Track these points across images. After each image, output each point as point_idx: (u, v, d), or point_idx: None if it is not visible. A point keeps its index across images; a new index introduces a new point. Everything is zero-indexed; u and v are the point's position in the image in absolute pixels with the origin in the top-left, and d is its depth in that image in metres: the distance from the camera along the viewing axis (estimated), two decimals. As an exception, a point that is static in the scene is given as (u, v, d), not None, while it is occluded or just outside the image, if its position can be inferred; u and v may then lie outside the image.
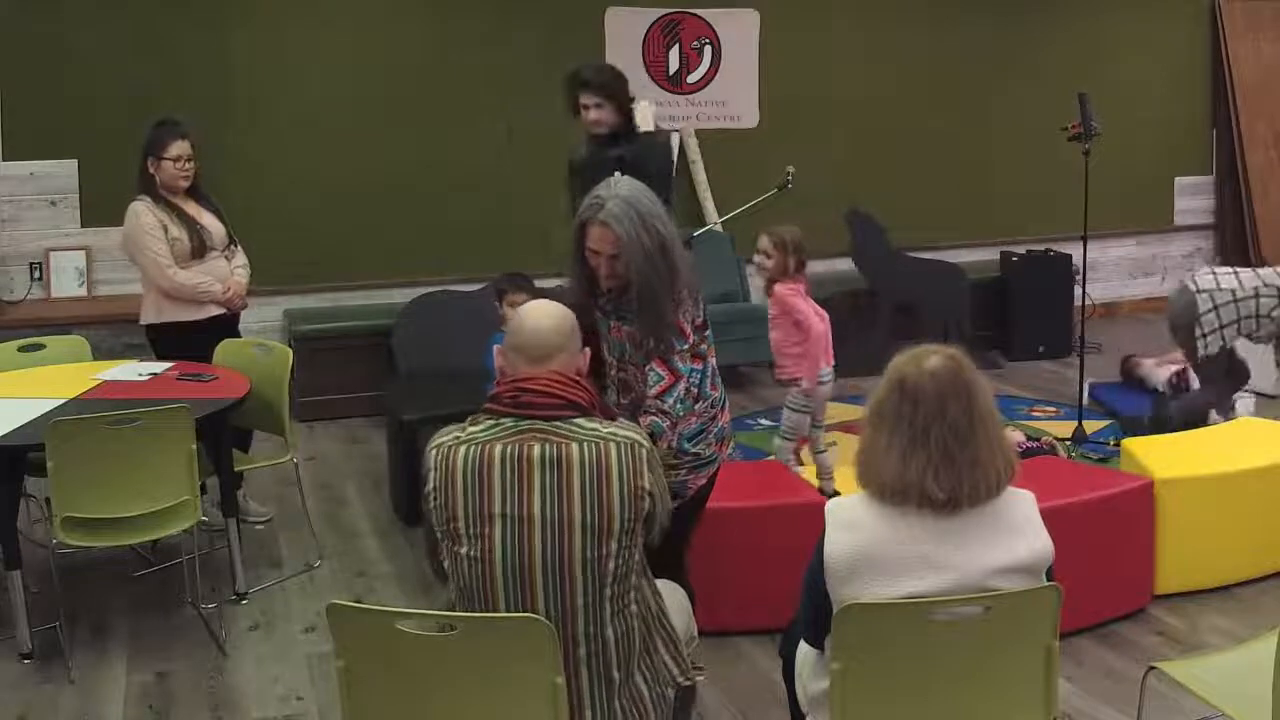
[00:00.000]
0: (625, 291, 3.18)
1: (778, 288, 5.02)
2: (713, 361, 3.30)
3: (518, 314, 2.65)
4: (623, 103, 5.03)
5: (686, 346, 3.16)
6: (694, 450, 3.26)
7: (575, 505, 2.41)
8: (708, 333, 3.27)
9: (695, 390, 3.21)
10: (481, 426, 2.50)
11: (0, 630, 4.05)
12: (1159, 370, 6.72)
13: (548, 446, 2.44)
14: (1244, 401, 6.26)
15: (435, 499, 2.47)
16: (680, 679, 2.65)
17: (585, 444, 2.44)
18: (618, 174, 4.97)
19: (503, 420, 2.49)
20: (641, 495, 2.46)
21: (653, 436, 3.07)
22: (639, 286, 3.11)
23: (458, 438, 2.49)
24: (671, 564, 3.20)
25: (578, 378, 2.56)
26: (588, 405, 2.51)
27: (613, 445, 2.45)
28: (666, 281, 3.11)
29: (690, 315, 3.16)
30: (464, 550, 2.44)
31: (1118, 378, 6.98)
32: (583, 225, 3.14)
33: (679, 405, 3.15)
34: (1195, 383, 6.38)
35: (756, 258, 5.09)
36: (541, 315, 2.61)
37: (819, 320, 5.02)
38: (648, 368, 3.18)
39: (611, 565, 2.44)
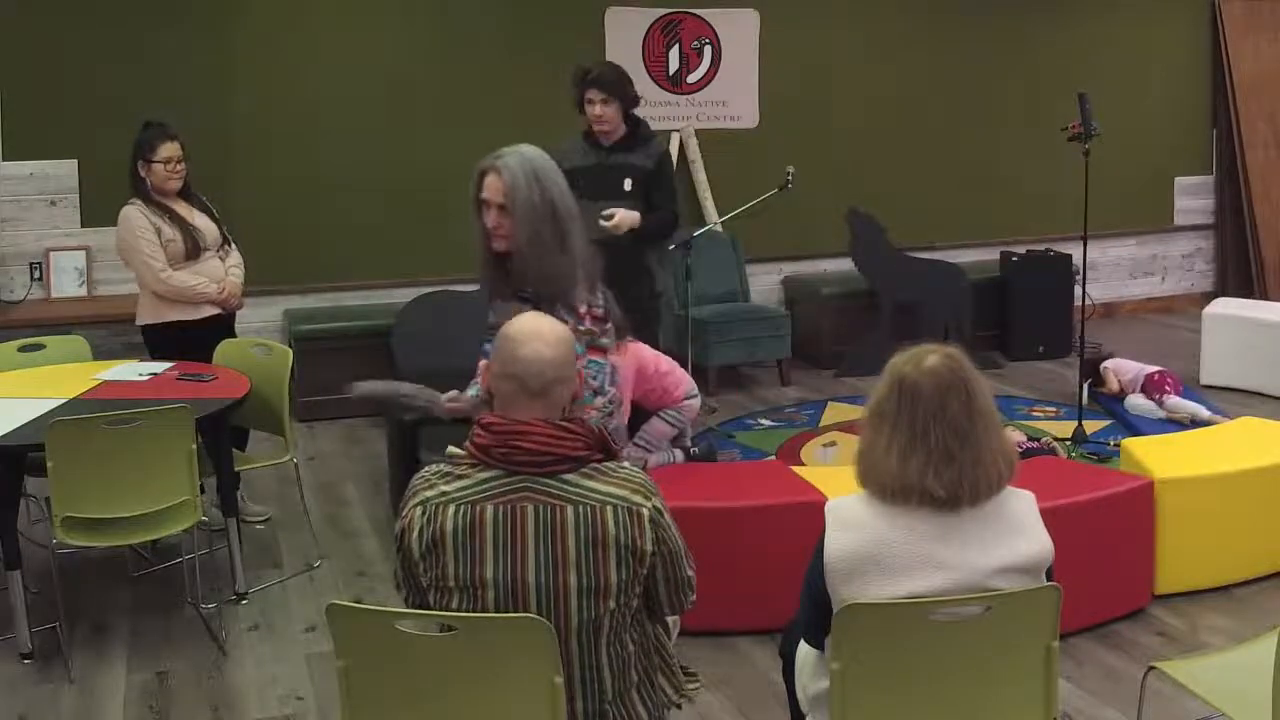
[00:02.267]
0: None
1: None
2: (614, 360, 3.31)
3: (511, 338, 2.41)
4: (627, 103, 5.04)
5: (583, 327, 3.15)
6: None
7: (570, 573, 2.32)
8: (609, 326, 3.27)
9: (595, 383, 3.22)
10: (471, 481, 2.35)
11: (0, 630, 4.05)
12: (1129, 373, 6.64)
13: (542, 510, 2.31)
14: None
15: (422, 554, 2.35)
16: (676, 699, 2.61)
17: (581, 506, 2.31)
18: (628, 182, 5.01)
19: (492, 473, 2.35)
20: (641, 556, 2.34)
21: None
22: (523, 240, 3.13)
23: (444, 494, 2.34)
24: None
25: (570, 424, 2.39)
26: (584, 453, 2.37)
27: (609, 508, 2.32)
28: (554, 243, 3.13)
29: (585, 300, 3.16)
30: (455, 604, 2.37)
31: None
32: (480, 175, 3.20)
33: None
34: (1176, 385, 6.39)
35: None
36: (540, 342, 2.40)
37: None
38: None
39: (607, 621, 2.37)
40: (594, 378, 3.21)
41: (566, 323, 3.00)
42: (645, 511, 2.35)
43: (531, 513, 2.32)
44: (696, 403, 4.65)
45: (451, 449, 2.47)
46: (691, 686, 2.67)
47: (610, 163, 5.04)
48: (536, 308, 3.17)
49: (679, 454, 4.88)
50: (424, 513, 2.35)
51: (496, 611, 2.35)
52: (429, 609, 2.46)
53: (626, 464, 2.46)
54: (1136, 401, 6.46)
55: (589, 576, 2.32)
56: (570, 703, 2.40)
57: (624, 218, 4.90)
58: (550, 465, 2.34)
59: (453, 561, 2.33)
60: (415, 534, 2.35)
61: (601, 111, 4.98)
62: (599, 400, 3.24)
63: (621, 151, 5.05)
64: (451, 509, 2.33)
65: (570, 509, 2.32)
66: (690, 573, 2.51)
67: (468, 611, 2.37)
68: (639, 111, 5.19)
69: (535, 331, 2.42)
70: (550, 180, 3.20)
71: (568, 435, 2.36)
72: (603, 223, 4.86)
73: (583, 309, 3.19)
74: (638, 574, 2.36)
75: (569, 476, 2.35)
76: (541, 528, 2.32)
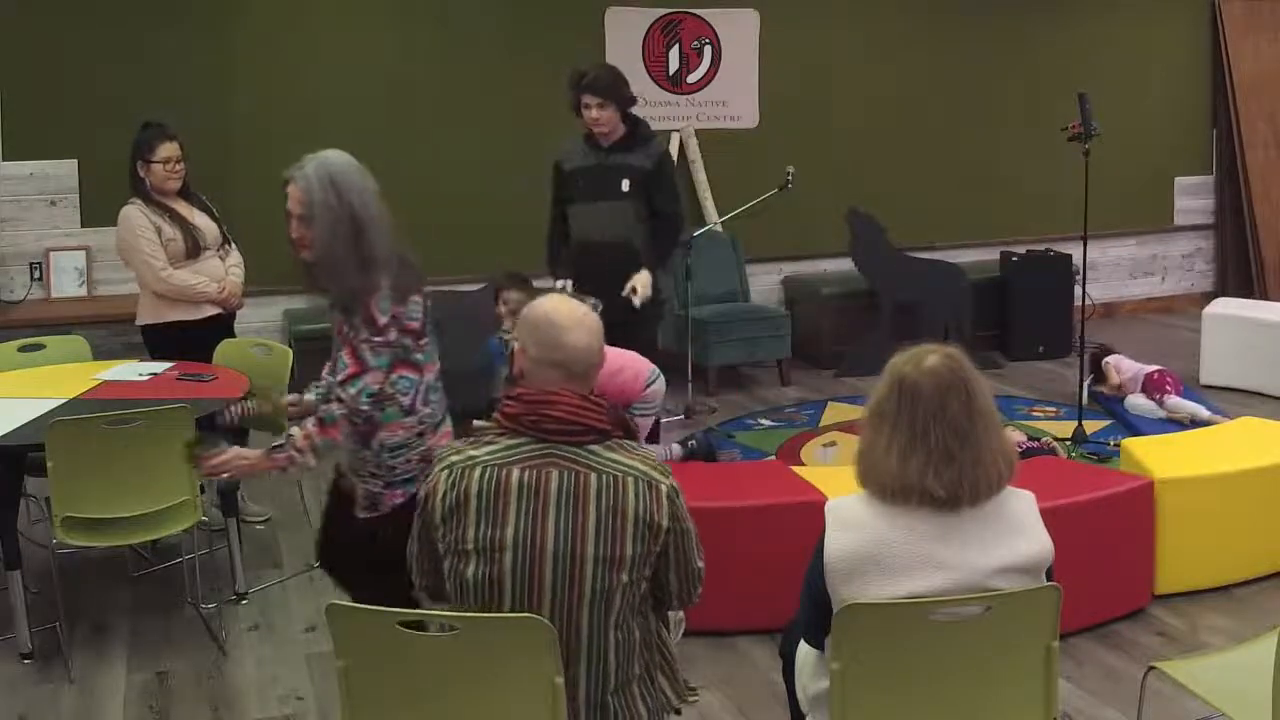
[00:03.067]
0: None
1: None
2: (429, 378, 3.12)
3: (554, 325, 2.46)
4: (624, 104, 5.03)
5: (379, 339, 3.00)
6: (390, 462, 3.10)
7: (589, 540, 2.36)
8: (424, 342, 3.10)
9: (405, 402, 3.05)
10: (499, 446, 2.41)
11: (0, 630, 4.05)
12: (1128, 372, 6.63)
13: (566, 475, 2.37)
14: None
15: (444, 517, 2.40)
16: (676, 702, 2.63)
17: (603, 475, 2.37)
18: (627, 183, 5.01)
19: (520, 440, 2.41)
20: (657, 531, 2.39)
21: (322, 423, 2.99)
22: (318, 247, 3.04)
23: (472, 458, 2.40)
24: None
25: (598, 398, 2.47)
26: (607, 428, 2.44)
27: (630, 479, 2.38)
28: (350, 250, 3.01)
29: (386, 309, 3.01)
30: (470, 570, 2.39)
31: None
32: (283, 185, 3.16)
33: (364, 398, 2.98)
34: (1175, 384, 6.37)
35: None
36: (585, 329, 2.48)
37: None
38: (338, 355, 3.07)
39: (619, 598, 2.40)
40: (403, 394, 3.05)
41: (360, 330, 2.97)
42: (664, 488, 2.41)
43: (556, 477, 2.38)
44: (660, 385, 4.71)
45: (478, 422, 2.50)
46: (692, 698, 2.70)
47: (609, 163, 5.04)
48: (343, 315, 3.07)
49: (676, 448, 4.90)
50: (450, 475, 2.40)
51: (512, 576, 2.37)
52: (440, 594, 2.51)
53: (646, 447, 2.53)
54: (1137, 401, 6.46)
55: (606, 545, 2.36)
56: (573, 691, 2.42)
57: (643, 284, 4.88)
58: (577, 435, 2.40)
59: (474, 524, 2.38)
60: (439, 497, 2.40)
61: (598, 115, 4.98)
62: (409, 420, 3.08)
63: (620, 152, 5.05)
64: (478, 471, 2.39)
65: (593, 476, 2.38)
66: (700, 564, 2.56)
67: (484, 577, 2.38)
68: (639, 111, 5.19)
69: (577, 318, 2.49)
70: (349, 186, 3.09)
71: (594, 407, 2.44)
72: (634, 300, 4.82)
73: (383, 320, 3.00)
74: (651, 550, 2.40)
75: (594, 447, 2.41)
76: (564, 492, 2.37)
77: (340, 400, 2.99)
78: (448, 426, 3.24)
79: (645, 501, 2.38)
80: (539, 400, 2.41)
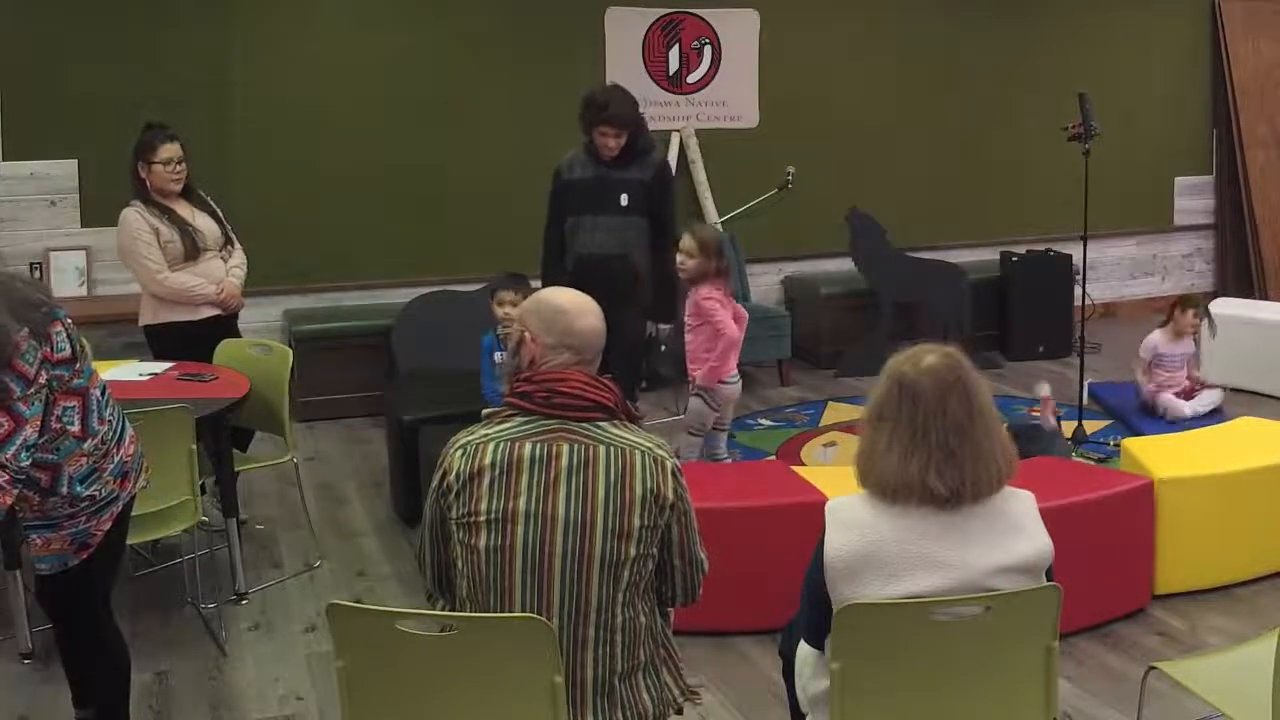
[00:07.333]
0: None
1: (700, 294, 4.87)
2: (96, 394, 3.02)
3: (564, 311, 2.57)
4: (637, 129, 5.05)
5: (33, 390, 2.82)
6: (88, 493, 3.01)
7: (599, 506, 2.41)
8: (79, 365, 2.97)
9: (74, 429, 2.95)
10: (511, 425, 2.49)
11: (0, 630, 4.05)
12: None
13: (576, 448, 2.45)
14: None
15: (458, 492, 2.45)
16: (679, 699, 2.65)
17: (611, 448, 2.45)
18: (625, 197, 5.00)
19: (531, 417, 2.49)
20: (664, 505, 2.45)
21: None
22: None
23: (485, 435, 2.48)
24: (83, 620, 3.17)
25: (603, 379, 2.56)
26: (614, 407, 2.53)
27: (638, 453, 2.46)
28: None
29: (34, 359, 2.82)
30: (483, 542, 2.43)
31: (1119, 376, 6.83)
32: None
33: (24, 455, 2.81)
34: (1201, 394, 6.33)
35: (679, 257, 4.89)
36: (592, 314, 2.59)
37: (734, 325, 4.92)
38: None
39: (626, 574, 2.43)
40: (71, 424, 2.94)
41: (11, 390, 2.77)
42: (669, 464, 2.49)
43: (566, 450, 2.45)
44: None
45: (487, 410, 2.60)
46: (695, 698, 2.72)
47: (608, 177, 5.04)
48: None
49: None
50: (464, 454, 2.47)
51: (524, 544, 2.42)
52: (447, 590, 2.56)
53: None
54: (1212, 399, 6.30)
55: (615, 517, 2.42)
56: (581, 675, 2.44)
57: None
58: (587, 410, 2.48)
59: (487, 495, 2.44)
60: (454, 474, 2.46)
61: (615, 144, 4.99)
62: (88, 444, 2.99)
63: (619, 166, 5.04)
64: (491, 445, 2.46)
65: (602, 449, 2.45)
66: (703, 556, 2.61)
67: (495, 547, 2.42)
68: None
69: (584, 305, 2.60)
70: None
71: (601, 385, 2.53)
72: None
73: (31, 369, 2.81)
74: (658, 523, 2.46)
75: (602, 424, 2.49)
76: (574, 464, 2.44)
77: (2, 465, 2.80)
78: (131, 432, 3.17)
79: (652, 475, 2.45)
80: (551, 378, 2.51)
